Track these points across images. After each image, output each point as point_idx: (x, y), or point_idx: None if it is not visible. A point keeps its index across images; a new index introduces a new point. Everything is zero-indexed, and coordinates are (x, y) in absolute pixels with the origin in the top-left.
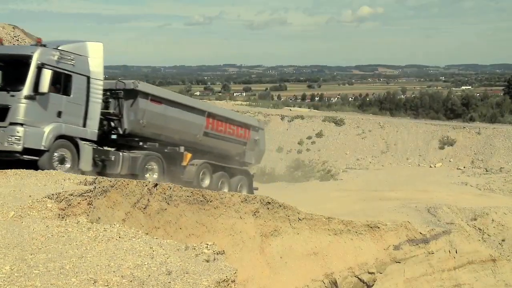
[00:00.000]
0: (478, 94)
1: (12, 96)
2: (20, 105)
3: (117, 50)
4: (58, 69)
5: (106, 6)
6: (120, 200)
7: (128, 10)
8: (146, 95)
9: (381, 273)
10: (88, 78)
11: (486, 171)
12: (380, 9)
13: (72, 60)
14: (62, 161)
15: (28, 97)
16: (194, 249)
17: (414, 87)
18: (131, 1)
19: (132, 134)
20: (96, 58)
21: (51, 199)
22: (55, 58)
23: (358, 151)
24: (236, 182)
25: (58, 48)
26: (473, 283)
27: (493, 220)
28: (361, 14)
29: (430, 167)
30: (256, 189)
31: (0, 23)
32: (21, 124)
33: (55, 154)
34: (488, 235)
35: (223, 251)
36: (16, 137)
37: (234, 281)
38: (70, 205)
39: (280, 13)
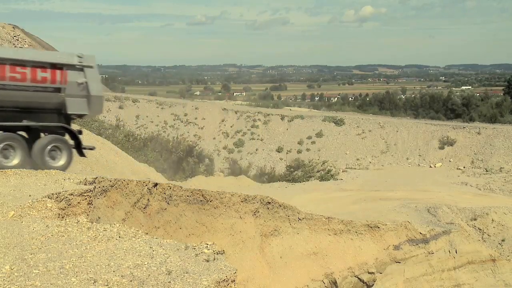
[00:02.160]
0: (478, 94)
1: None
2: None
3: (118, 50)
4: None
5: (108, 6)
6: (120, 199)
7: (130, 10)
8: None
9: (381, 273)
10: None
11: (486, 171)
12: (383, 9)
13: None
14: None
15: None
16: (194, 249)
17: (414, 87)
18: (133, 1)
19: None
20: None
21: (51, 198)
22: None
23: (358, 151)
24: (43, 144)
25: None
26: (473, 283)
27: (493, 220)
28: (363, 14)
29: (430, 167)
30: (92, 148)
31: (0, 23)
32: None
33: None
34: (488, 235)
35: (223, 251)
36: None
37: (234, 281)
38: (70, 204)
39: (281, 13)
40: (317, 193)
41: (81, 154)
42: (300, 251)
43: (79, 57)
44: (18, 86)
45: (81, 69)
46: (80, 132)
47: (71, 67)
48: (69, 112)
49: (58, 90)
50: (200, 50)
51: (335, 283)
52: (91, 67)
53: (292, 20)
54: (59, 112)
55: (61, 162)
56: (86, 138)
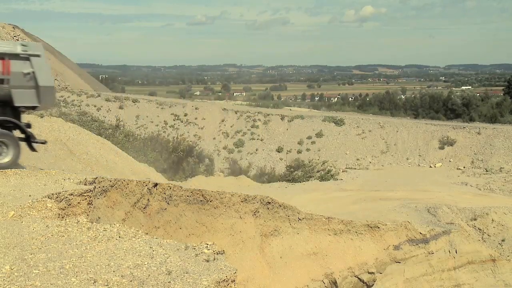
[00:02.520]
0: (478, 94)
1: None
2: None
3: (118, 50)
4: None
5: (108, 6)
6: (120, 200)
7: (131, 10)
8: None
9: (381, 273)
10: None
11: (486, 171)
12: (383, 9)
13: None
14: None
15: None
16: (194, 249)
17: (414, 87)
18: (133, 1)
19: None
20: None
21: (51, 198)
22: None
23: (358, 151)
24: None
25: None
26: (473, 283)
27: (493, 220)
28: (363, 14)
29: (430, 167)
30: (44, 142)
31: (0, 23)
32: None
33: None
34: (488, 235)
35: (223, 251)
36: None
37: (234, 281)
38: (70, 204)
39: (281, 13)
40: (317, 193)
41: (32, 149)
42: (300, 251)
43: (23, 45)
44: None
45: (26, 58)
46: (28, 125)
47: (14, 56)
48: (16, 104)
49: (1, 81)
50: (200, 50)
51: (335, 283)
52: (38, 56)
53: (292, 20)
54: (4, 105)
55: (6, 159)
56: (86, 138)
